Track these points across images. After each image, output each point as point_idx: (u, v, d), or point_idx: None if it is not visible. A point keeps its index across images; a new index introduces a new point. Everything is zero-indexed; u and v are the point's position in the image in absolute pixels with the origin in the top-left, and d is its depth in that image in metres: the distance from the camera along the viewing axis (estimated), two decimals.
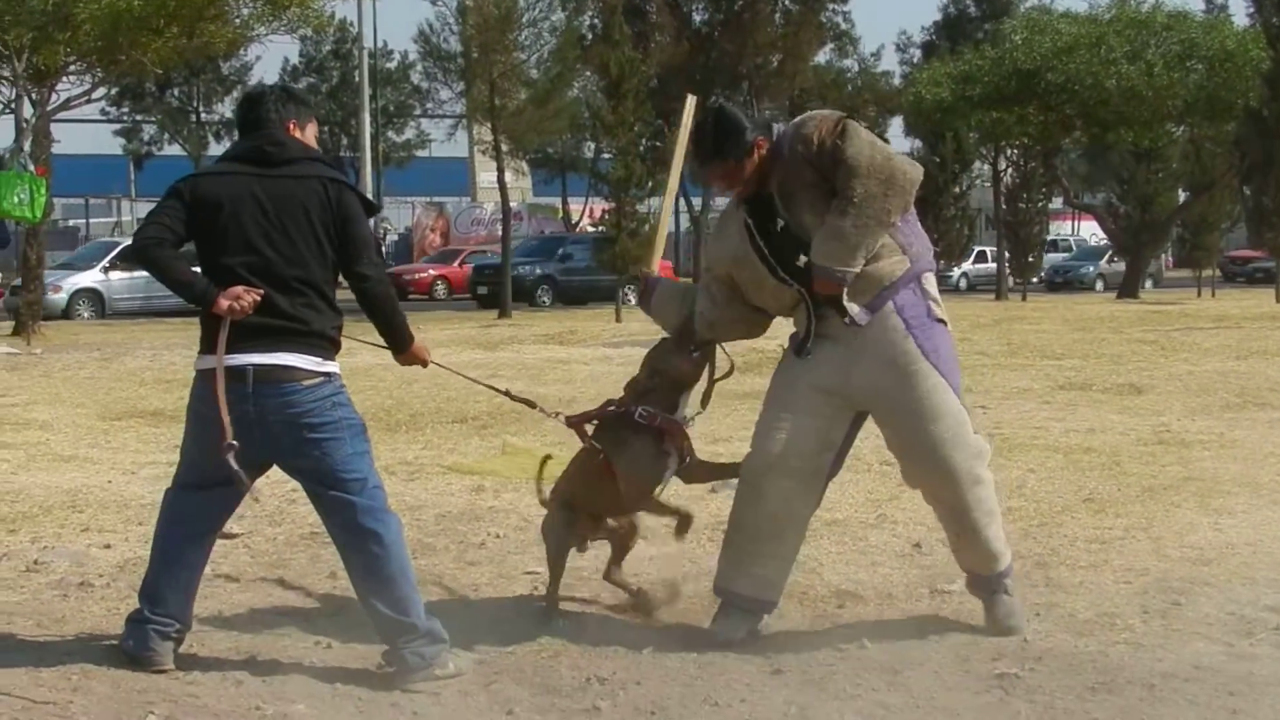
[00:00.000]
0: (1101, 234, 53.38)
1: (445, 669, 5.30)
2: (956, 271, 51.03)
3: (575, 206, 59.41)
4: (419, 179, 60.26)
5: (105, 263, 34.53)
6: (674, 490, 6.63)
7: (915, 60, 62.87)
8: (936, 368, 5.70)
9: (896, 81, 59.70)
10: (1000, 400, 13.57)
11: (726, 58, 48.69)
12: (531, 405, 6.40)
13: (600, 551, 6.50)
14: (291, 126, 5.46)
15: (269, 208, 5.24)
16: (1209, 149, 43.43)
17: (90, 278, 34.12)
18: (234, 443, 5.11)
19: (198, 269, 5.35)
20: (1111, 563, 7.07)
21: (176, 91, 58.56)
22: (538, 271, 39.91)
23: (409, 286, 43.30)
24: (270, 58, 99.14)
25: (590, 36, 44.42)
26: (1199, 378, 15.55)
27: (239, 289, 5.14)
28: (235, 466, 5.13)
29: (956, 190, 45.31)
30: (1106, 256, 54.85)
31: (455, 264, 46.50)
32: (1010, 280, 43.25)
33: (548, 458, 6.51)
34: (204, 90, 58.63)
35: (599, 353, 20.28)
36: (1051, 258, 53.66)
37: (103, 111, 54.29)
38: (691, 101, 6.49)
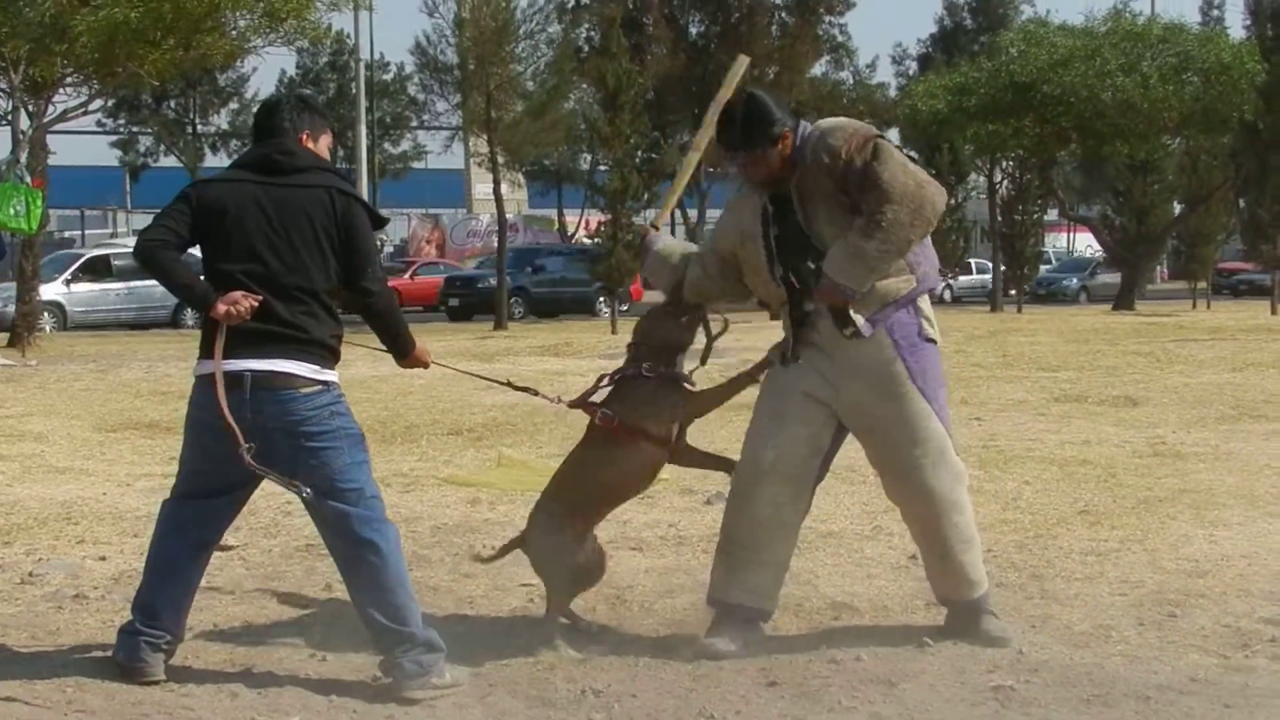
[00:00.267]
0: (1097, 246, 53.46)
1: (443, 678, 5.29)
2: (940, 284, 51.08)
3: (571, 218, 59.47)
4: (415, 191, 60.31)
5: (68, 275, 34.05)
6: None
7: (911, 72, 62.99)
8: (922, 391, 5.70)
9: (892, 93, 59.80)
10: (996, 412, 13.57)
11: (722, 70, 48.70)
12: (534, 393, 6.44)
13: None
14: (305, 137, 5.46)
15: (273, 215, 5.24)
16: (1205, 161, 43.43)
17: (52, 290, 32.65)
18: (251, 444, 5.12)
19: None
20: (1107, 575, 7.06)
21: (173, 103, 58.58)
22: (510, 283, 39.61)
23: None
24: (267, 70, 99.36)
25: (587, 49, 44.50)
26: (1194, 390, 15.56)
27: (237, 294, 5.14)
28: (259, 466, 5.14)
29: (952, 202, 45.33)
30: (1089, 269, 54.96)
31: (407, 276, 43.97)
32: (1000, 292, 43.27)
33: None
34: (200, 102, 58.67)
35: (595, 364, 20.24)
36: None
37: (99, 123, 54.29)
38: (743, 61, 6.47)
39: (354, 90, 46.04)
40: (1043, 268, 55.08)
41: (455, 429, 12.57)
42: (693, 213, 56.38)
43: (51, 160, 25.61)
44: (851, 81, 60.46)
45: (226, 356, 5.16)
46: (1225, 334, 25.94)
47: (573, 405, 6.16)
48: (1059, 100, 39.66)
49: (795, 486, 5.80)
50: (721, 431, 9.88)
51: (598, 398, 6.14)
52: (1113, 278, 53.46)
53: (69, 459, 10.98)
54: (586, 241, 43.70)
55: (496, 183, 34.88)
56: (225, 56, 27.07)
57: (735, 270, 6.02)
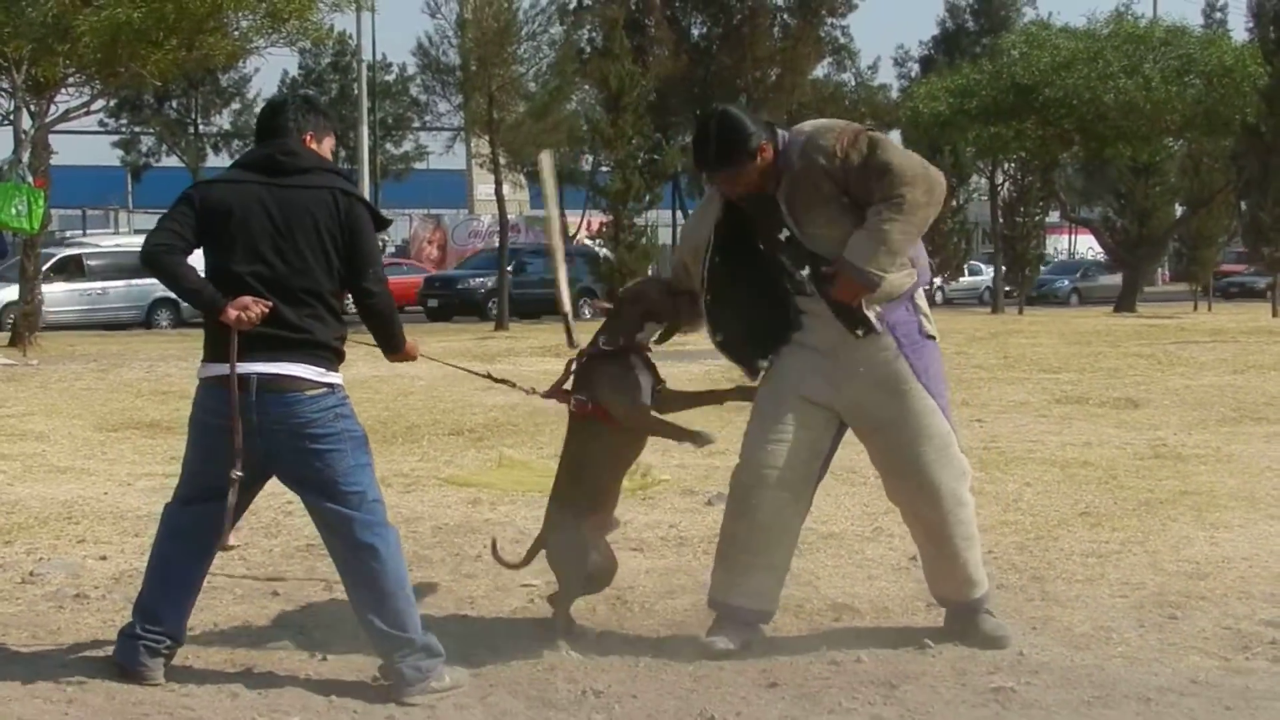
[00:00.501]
0: (1098, 248, 53.47)
1: (442, 682, 5.29)
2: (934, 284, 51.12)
3: (573, 219, 59.42)
4: (417, 191, 60.29)
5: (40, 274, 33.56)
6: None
7: (913, 74, 63.01)
8: (927, 388, 5.70)
9: (894, 95, 59.79)
10: (997, 414, 13.57)
11: (725, 71, 48.79)
12: (510, 384, 6.46)
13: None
14: (308, 138, 5.45)
15: (278, 217, 5.23)
16: (1206, 164, 43.44)
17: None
18: (240, 474, 5.13)
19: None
20: (1108, 577, 7.06)
21: (175, 103, 58.58)
22: (489, 284, 39.36)
23: None
24: (269, 70, 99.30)
25: (589, 50, 44.50)
26: (1195, 392, 15.56)
27: (247, 299, 5.13)
28: (231, 501, 5.16)
29: (954, 204, 45.34)
30: (1081, 271, 55.00)
31: None
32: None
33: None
34: (202, 102, 58.66)
35: None
36: None
37: (101, 123, 54.30)
38: (546, 157, 6.74)
39: (356, 91, 46.07)
40: None
41: (456, 429, 12.57)
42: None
43: (53, 160, 25.60)
44: (853, 83, 60.46)
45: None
46: (1226, 336, 25.93)
47: (546, 395, 6.17)
48: (1061, 102, 39.68)
49: (796, 490, 5.80)
50: (724, 430, 9.88)
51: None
52: (1105, 280, 53.60)
53: (70, 458, 10.98)
54: (588, 242, 43.59)
55: (498, 184, 34.87)
56: (227, 57, 27.09)
57: (691, 274, 6.02)
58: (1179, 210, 46.85)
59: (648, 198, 33.08)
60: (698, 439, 5.91)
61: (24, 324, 23.86)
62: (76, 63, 23.51)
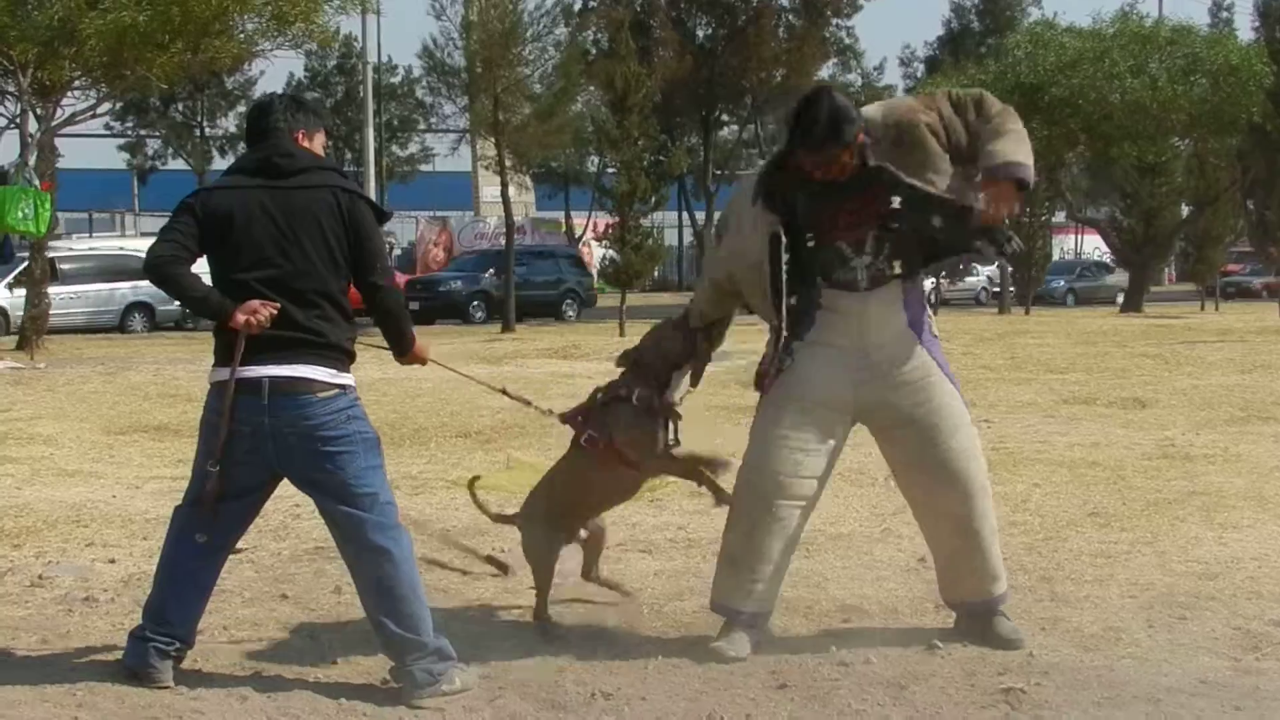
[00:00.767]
0: (1105, 248, 53.46)
1: (452, 685, 5.28)
2: (928, 285, 51.12)
3: (579, 221, 59.45)
4: (423, 193, 60.29)
5: (9, 279, 32.03)
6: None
7: (919, 74, 62.92)
8: (949, 379, 5.73)
9: (900, 96, 59.72)
10: (1004, 414, 13.56)
11: (730, 72, 48.78)
12: (526, 403, 6.44)
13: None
14: (300, 136, 5.44)
15: (281, 220, 5.22)
16: (1213, 163, 43.42)
17: None
18: (215, 468, 5.17)
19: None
20: (1117, 577, 7.05)
21: (181, 106, 58.66)
22: (472, 287, 39.20)
23: None
24: (275, 73, 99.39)
25: (594, 51, 44.50)
26: (1203, 392, 15.55)
27: (255, 303, 5.13)
28: (210, 488, 5.19)
29: None
30: (1077, 271, 55.01)
31: None
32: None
33: (475, 479, 6.72)
34: (208, 105, 58.75)
35: (603, 367, 20.23)
36: None
37: (107, 126, 54.44)
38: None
39: (362, 93, 46.05)
40: None
41: (464, 431, 12.57)
42: (700, 215, 56.39)
43: (60, 163, 25.64)
44: (859, 84, 60.44)
45: (244, 363, 5.15)
46: (1234, 336, 25.92)
47: (563, 420, 6.17)
48: (1066, 102, 39.66)
49: (810, 499, 5.81)
50: (739, 434, 9.88)
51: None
52: (1102, 280, 53.62)
53: (78, 462, 10.99)
54: (595, 244, 43.57)
55: (504, 185, 34.86)
56: (233, 60, 27.12)
57: (736, 292, 5.99)
58: (1185, 210, 46.82)
59: (654, 199, 33.04)
60: (714, 469, 6.04)
61: (31, 327, 23.89)
62: (82, 66, 23.54)
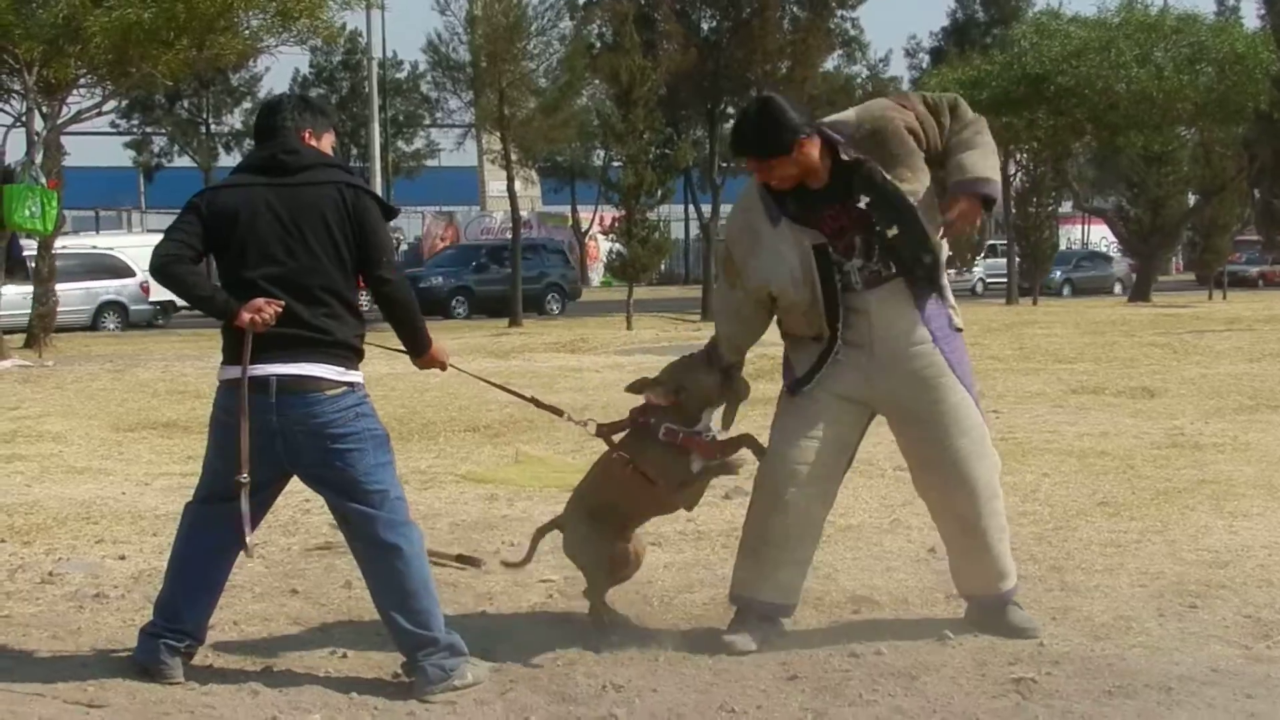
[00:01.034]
0: (1112, 238, 53.44)
1: (464, 679, 5.28)
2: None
3: (585, 215, 59.42)
4: (429, 188, 60.33)
5: None
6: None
7: (924, 65, 62.86)
8: (961, 380, 5.69)
9: (905, 87, 59.65)
10: (1013, 404, 13.56)
11: (735, 65, 48.63)
12: (559, 413, 6.22)
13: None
14: (307, 135, 5.43)
15: (286, 217, 5.21)
16: (1219, 152, 43.38)
17: None
18: (246, 478, 5.13)
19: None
20: (1127, 566, 7.05)
21: (186, 103, 58.68)
22: (453, 282, 38.97)
23: None
24: (280, 69, 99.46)
25: (599, 45, 44.45)
26: (1212, 381, 15.54)
27: (259, 301, 5.12)
28: (244, 507, 5.15)
29: None
30: (1074, 261, 54.97)
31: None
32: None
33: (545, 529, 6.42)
34: (214, 102, 58.77)
35: (610, 360, 20.29)
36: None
37: (113, 124, 54.48)
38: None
39: (367, 88, 46.02)
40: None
41: (472, 425, 12.58)
42: (706, 208, 56.31)
43: (66, 161, 25.64)
44: (865, 75, 60.34)
45: (252, 361, 5.14)
46: (1242, 325, 25.89)
47: (598, 434, 6.04)
48: (1072, 92, 39.59)
49: (825, 486, 5.79)
50: (739, 426, 9.87)
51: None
52: (1099, 271, 53.59)
53: (87, 459, 11.00)
54: (601, 238, 43.56)
55: (510, 180, 34.89)
56: (238, 56, 27.10)
57: (768, 309, 5.88)
58: (1191, 199, 46.78)
59: (660, 192, 33.02)
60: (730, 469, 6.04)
61: (39, 325, 23.91)
62: (88, 63, 23.53)
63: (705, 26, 51.64)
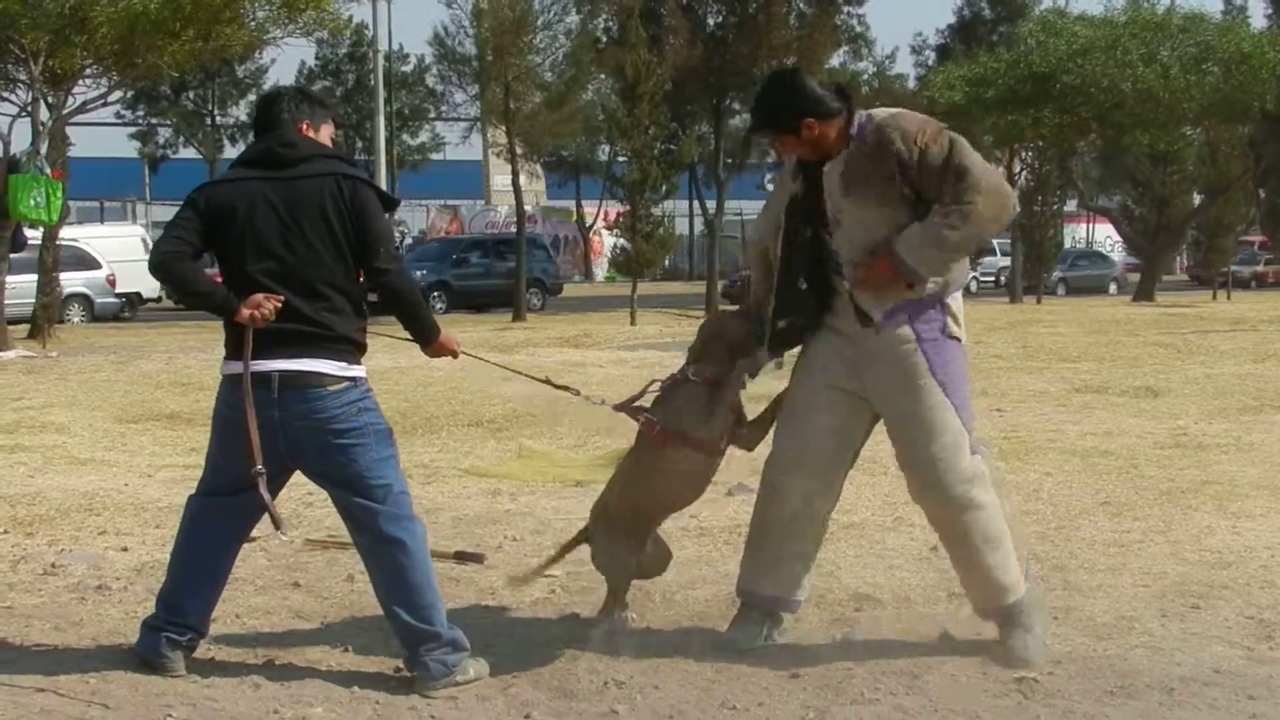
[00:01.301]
0: (1117, 237, 53.44)
1: (466, 674, 5.28)
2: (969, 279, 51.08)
3: (589, 209, 59.44)
4: (433, 182, 60.34)
5: None
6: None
7: (930, 63, 62.77)
8: (942, 385, 5.54)
9: (911, 84, 59.60)
10: (1016, 403, 13.55)
11: (741, 60, 48.58)
12: (575, 392, 6.28)
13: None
14: (305, 127, 5.41)
15: (284, 211, 5.20)
16: (1224, 151, 43.34)
17: None
18: (262, 469, 5.12)
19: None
20: (1129, 566, 7.04)
21: (192, 94, 58.71)
22: (431, 278, 38.83)
23: None
24: (286, 61, 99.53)
25: (605, 39, 44.45)
26: (1216, 380, 15.53)
27: (259, 297, 5.11)
28: (265, 494, 5.14)
29: None
30: (1069, 261, 54.91)
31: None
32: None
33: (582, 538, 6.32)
34: (219, 93, 58.79)
35: (615, 355, 20.29)
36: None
37: (118, 115, 54.43)
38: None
39: (372, 81, 46.02)
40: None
41: (476, 420, 12.57)
42: (711, 204, 56.31)
43: (71, 152, 25.65)
44: (871, 72, 60.29)
45: (254, 356, 5.14)
46: (1246, 325, 25.87)
47: (617, 409, 5.99)
48: (1078, 90, 39.54)
49: (825, 479, 5.74)
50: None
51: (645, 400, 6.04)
52: (1093, 270, 53.54)
53: (90, 450, 11.00)
54: (606, 232, 43.55)
55: (515, 174, 34.90)
56: (244, 48, 27.08)
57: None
58: (1197, 198, 46.75)
59: (665, 188, 32.99)
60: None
61: (43, 316, 23.92)
62: (94, 54, 23.52)
63: (711, 21, 51.60)
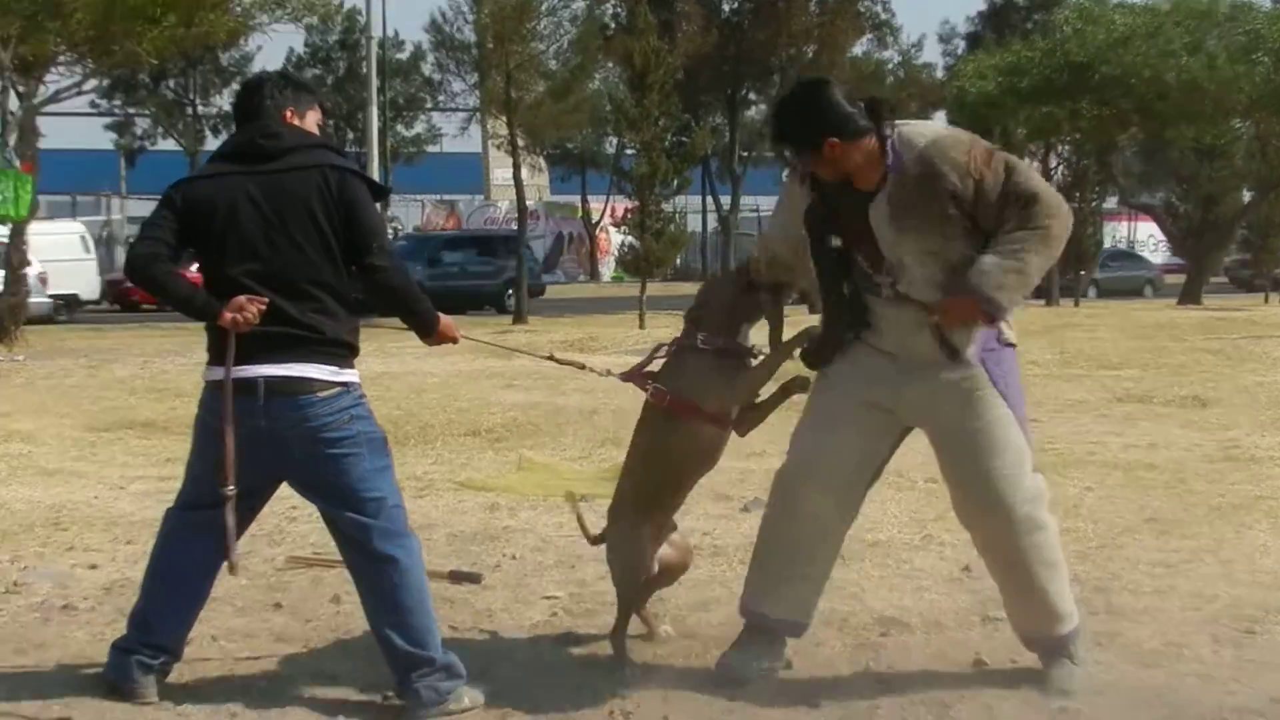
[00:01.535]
0: (1160, 236, 53.42)
1: (460, 703, 5.23)
2: None
3: (595, 205, 59.48)
4: (429, 176, 60.44)
5: None
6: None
7: (959, 51, 62.85)
8: (1004, 396, 5.49)
9: (939, 74, 59.72)
10: (1054, 413, 13.49)
11: (758, 48, 48.75)
12: (581, 367, 6.42)
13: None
14: (289, 114, 5.36)
15: (267, 208, 5.13)
16: (1275, 146, 43.29)
17: None
18: (233, 489, 5.07)
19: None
20: (1178, 588, 6.98)
21: (172, 83, 58.88)
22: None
23: (132, 295, 37.24)
24: (273, 48, 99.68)
25: (612, 26, 44.54)
26: (1269, 389, 15.48)
27: (241, 299, 5.05)
28: (230, 521, 5.09)
29: None
30: (1101, 261, 54.89)
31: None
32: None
33: (579, 498, 6.40)
34: (201, 82, 58.95)
35: (621, 360, 20.20)
36: None
37: (93, 104, 54.50)
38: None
39: (365, 70, 46.08)
40: None
41: (473, 430, 12.53)
42: (725, 199, 56.40)
43: (42, 144, 25.65)
44: (896, 60, 60.39)
45: (239, 362, 5.08)
46: None
47: (624, 378, 5.99)
48: (1118, 81, 39.56)
49: (840, 496, 5.66)
50: (760, 434, 9.81)
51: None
52: (1123, 271, 53.53)
53: (58, 460, 10.97)
54: (613, 230, 43.59)
55: (516, 167, 34.93)
56: (229, 34, 27.17)
57: (787, 265, 5.85)
58: (1246, 195, 46.73)
59: (676, 182, 32.98)
60: (794, 388, 5.91)
61: (9, 317, 23.92)
62: (68, 40, 23.58)
63: (726, 7, 51.79)
